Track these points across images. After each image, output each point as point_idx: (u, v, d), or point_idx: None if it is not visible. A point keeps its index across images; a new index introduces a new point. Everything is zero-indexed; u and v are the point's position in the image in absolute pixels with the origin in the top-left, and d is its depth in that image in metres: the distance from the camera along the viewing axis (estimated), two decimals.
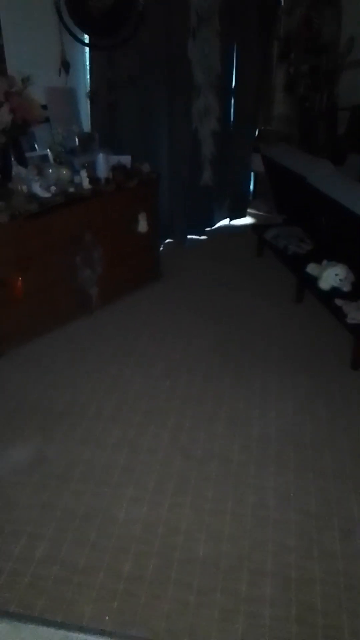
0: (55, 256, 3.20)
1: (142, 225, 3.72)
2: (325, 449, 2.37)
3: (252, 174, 5.48)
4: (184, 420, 2.56)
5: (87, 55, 4.05)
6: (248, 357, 3.09)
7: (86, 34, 3.88)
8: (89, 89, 4.08)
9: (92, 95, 4.06)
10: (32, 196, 3.07)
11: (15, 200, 2.98)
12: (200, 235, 5.05)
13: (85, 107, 4.14)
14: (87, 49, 4.01)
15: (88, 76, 4.09)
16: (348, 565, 1.83)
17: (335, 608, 1.69)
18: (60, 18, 3.69)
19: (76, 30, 3.79)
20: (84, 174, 3.31)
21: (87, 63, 4.07)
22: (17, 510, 2.05)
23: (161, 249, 4.35)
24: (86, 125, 4.14)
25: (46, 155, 3.47)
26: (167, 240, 4.80)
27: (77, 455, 2.33)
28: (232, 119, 4.96)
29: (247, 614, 1.67)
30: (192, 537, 1.93)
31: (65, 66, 3.87)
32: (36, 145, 3.53)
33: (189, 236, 4.92)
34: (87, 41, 3.93)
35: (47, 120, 3.57)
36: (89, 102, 4.10)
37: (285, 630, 1.62)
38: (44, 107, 3.48)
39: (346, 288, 3.28)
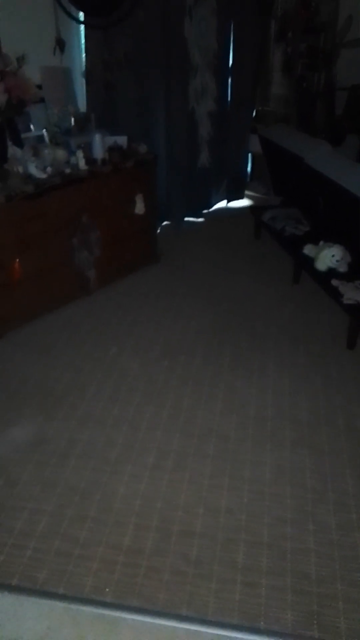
0: (53, 238, 3.21)
1: (139, 207, 3.71)
2: (321, 426, 2.41)
3: (249, 155, 5.45)
4: (183, 400, 2.59)
5: (82, 34, 3.99)
6: (246, 338, 3.11)
7: (81, 11, 3.82)
8: (84, 68, 4.04)
9: (88, 75, 4.01)
10: (28, 177, 3.06)
11: (11, 181, 2.97)
12: (197, 218, 5.04)
13: (80, 87, 4.10)
14: (82, 28, 3.96)
15: (83, 55, 4.04)
16: (342, 537, 1.87)
17: (329, 577, 1.74)
18: None
19: (71, 8, 3.74)
20: (80, 154, 3.29)
21: (82, 42, 4.02)
22: (18, 487, 2.09)
23: (158, 231, 4.34)
24: (82, 105, 4.10)
25: (42, 136, 3.45)
26: (164, 223, 4.79)
27: (77, 434, 2.37)
28: (229, 99, 4.91)
29: (244, 583, 1.72)
30: (190, 511, 1.97)
31: (60, 44, 3.81)
32: (32, 126, 3.51)
33: (186, 218, 4.92)
34: (82, 19, 3.87)
35: (42, 100, 3.54)
36: (84, 81, 4.06)
37: (281, 599, 1.67)
38: (39, 86, 3.45)
39: (342, 269, 3.30)
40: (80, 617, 1.63)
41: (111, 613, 1.64)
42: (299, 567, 1.77)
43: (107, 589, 1.70)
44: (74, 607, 1.66)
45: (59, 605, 1.66)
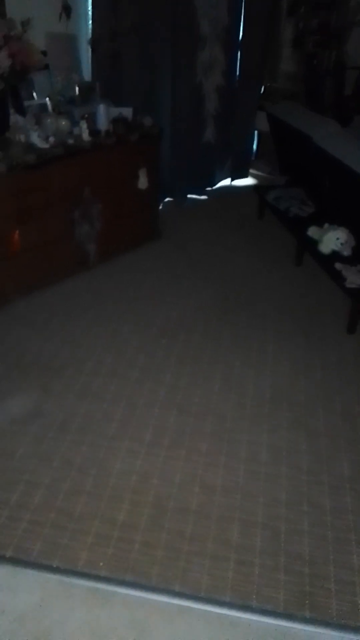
0: (54, 210, 3.15)
1: (142, 182, 3.64)
2: (319, 408, 2.41)
3: (255, 132, 5.35)
4: (181, 378, 2.58)
5: (90, 0, 3.87)
6: (246, 318, 3.09)
7: None
8: (90, 36, 3.92)
9: (94, 43, 3.90)
10: (30, 146, 2.99)
11: (12, 150, 2.90)
12: (200, 195, 4.97)
13: (86, 56, 3.98)
14: None
15: (90, 23, 3.92)
16: (336, 519, 1.88)
17: (322, 559, 1.75)
18: None
19: None
20: (83, 125, 3.22)
21: (89, 9, 3.90)
22: (15, 460, 2.08)
23: (160, 207, 4.28)
24: (87, 74, 4.00)
25: (45, 104, 3.36)
26: (167, 199, 4.72)
27: (75, 408, 2.36)
28: (237, 74, 4.79)
29: (237, 562, 1.73)
30: (186, 488, 1.98)
31: (67, 11, 3.70)
32: (34, 94, 3.41)
33: (189, 195, 4.85)
34: None
35: (46, 67, 3.44)
36: (90, 50, 3.94)
37: (273, 578, 1.68)
38: (44, 52, 3.34)
39: (346, 252, 3.27)
40: (73, 590, 1.64)
41: (104, 587, 1.65)
42: (292, 547, 1.78)
43: (101, 563, 1.71)
44: (67, 580, 1.67)
45: (53, 577, 1.67)
